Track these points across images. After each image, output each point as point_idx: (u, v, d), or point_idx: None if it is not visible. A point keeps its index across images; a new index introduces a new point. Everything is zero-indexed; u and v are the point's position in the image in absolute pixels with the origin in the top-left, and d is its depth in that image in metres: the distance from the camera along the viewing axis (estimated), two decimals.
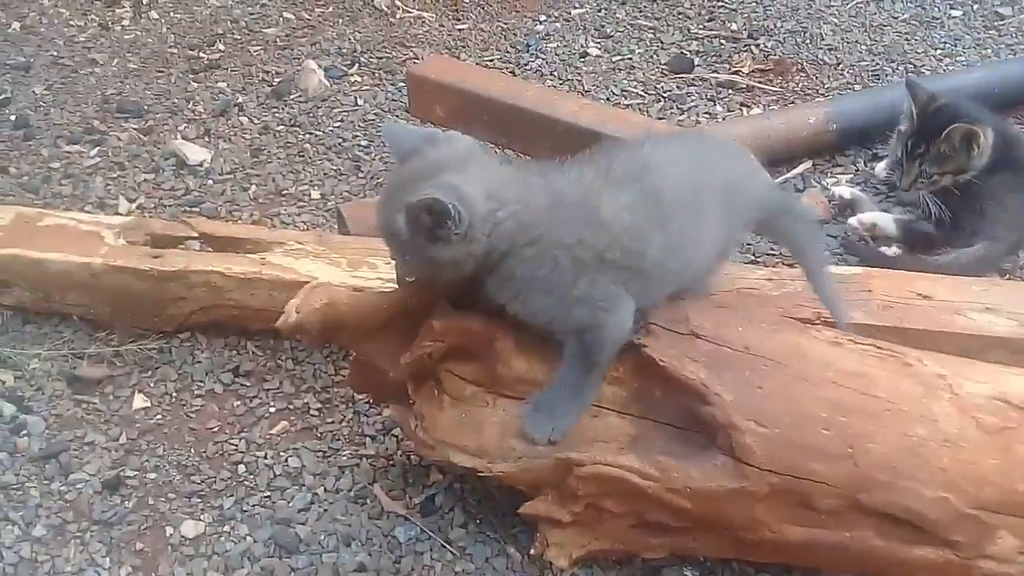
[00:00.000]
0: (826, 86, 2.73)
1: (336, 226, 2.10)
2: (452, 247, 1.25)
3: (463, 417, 1.42)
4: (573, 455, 1.34)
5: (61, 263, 1.82)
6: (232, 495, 1.62)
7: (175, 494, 1.62)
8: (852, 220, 2.18)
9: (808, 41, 2.91)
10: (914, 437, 1.30)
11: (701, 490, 1.31)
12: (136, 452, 1.69)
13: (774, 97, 2.68)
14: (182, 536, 1.56)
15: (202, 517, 1.59)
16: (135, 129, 2.56)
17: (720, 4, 3.13)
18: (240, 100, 2.70)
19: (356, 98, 2.71)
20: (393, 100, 2.68)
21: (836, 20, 3.03)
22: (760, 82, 2.74)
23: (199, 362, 1.85)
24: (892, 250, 2.13)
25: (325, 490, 1.62)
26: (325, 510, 1.59)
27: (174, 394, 1.80)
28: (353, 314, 1.42)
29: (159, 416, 1.76)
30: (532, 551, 1.44)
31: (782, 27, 2.98)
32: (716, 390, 1.30)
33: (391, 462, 1.68)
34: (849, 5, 3.11)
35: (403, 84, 2.66)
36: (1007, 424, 1.31)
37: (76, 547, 1.55)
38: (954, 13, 3.07)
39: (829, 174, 2.40)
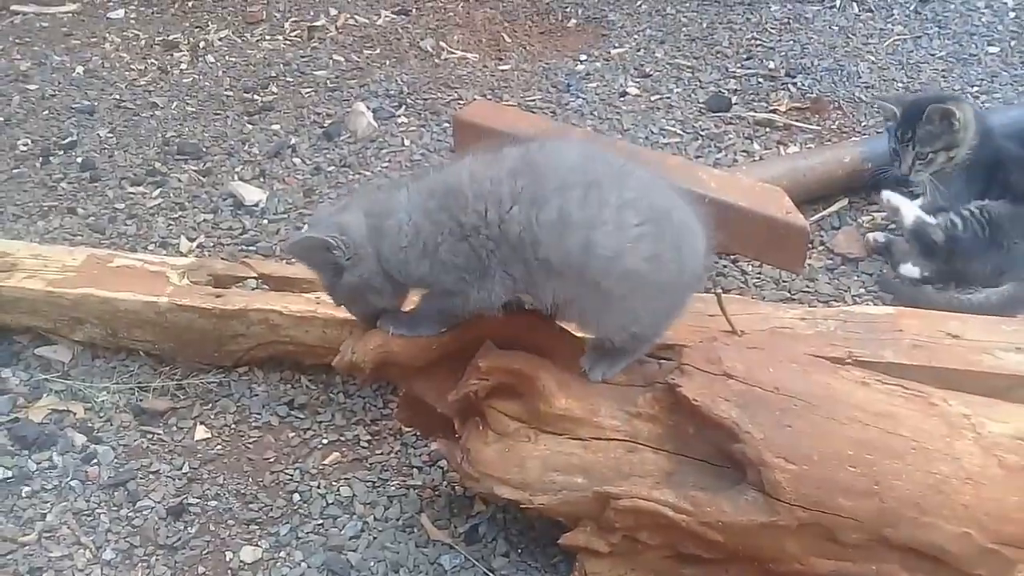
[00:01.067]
0: (863, 124, 2.78)
1: None
2: (353, 270, 1.43)
3: (506, 452, 1.50)
4: (611, 489, 1.42)
5: (129, 302, 1.94)
6: (288, 522, 1.71)
7: (234, 521, 1.72)
8: (883, 193, 2.29)
9: (845, 79, 2.97)
10: (938, 475, 1.35)
11: (733, 524, 1.37)
12: (198, 481, 1.80)
13: (811, 135, 2.74)
14: (241, 561, 1.65)
15: (260, 543, 1.68)
16: (194, 170, 2.70)
17: (758, 43, 3.20)
18: (293, 141, 2.82)
19: (403, 139, 2.82)
20: (438, 140, 2.79)
21: (873, 58, 3.08)
22: (797, 120, 2.80)
23: (256, 395, 1.95)
24: (909, 267, 2.20)
25: (375, 519, 1.71)
26: (375, 538, 1.67)
27: (233, 426, 1.90)
28: (404, 354, 1.51)
29: (219, 446, 1.86)
30: None
31: (819, 65, 3.05)
32: (747, 428, 1.37)
33: (437, 492, 1.76)
34: (887, 43, 3.16)
35: (447, 124, 2.77)
36: None
37: (143, 570, 1.65)
38: (991, 50, 3.11)
39: (865, 212, 2.45)
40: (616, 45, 3.27)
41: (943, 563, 1.35)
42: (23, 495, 1.77)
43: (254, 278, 2.03)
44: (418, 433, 1.81)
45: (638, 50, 3.22)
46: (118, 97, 3.11)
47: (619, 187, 1.37)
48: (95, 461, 1.83)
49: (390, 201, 1.44)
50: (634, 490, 1.41)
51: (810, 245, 2.32)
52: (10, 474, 1.81)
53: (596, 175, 1.38)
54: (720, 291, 1.72)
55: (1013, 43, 3.13)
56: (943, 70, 2.99)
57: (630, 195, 1.37)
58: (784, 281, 2.22)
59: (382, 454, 1.83)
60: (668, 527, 1.40)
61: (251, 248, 2.38)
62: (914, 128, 2.27)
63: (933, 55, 3.07)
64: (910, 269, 2.19)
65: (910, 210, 2.24)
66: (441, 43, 3.36)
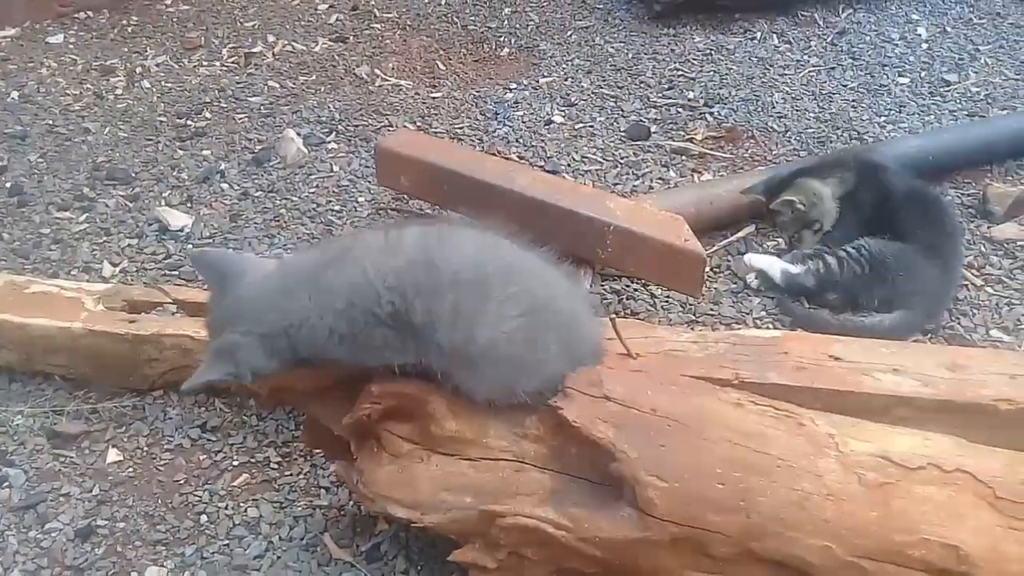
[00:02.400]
0: (774, 152, 2.89)
1: None
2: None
3: (399, 472, 1.55)
4: (496, 507, 1.48)
5: (44, 327, 1.98)
6: (194, 543, 1.75)
7: (141, 542, 1.76)
8: (744, 258, 2.37)
9: (760, 109, 3.09)
10: (801, 491, 1.43)
11: (609, 539, 1.44)
12: (108, 503, 1.83)
13: (724, 163, 2.85)
14: None
15: (165, 564, 1.72)
16: (122, 196, 2.74)
17: (680, 73, 3.31)
18: (223, 167, 2.87)
19: (332, 165, 2.88)
20: (366, 167, 2.85)
21: (788, 88, 3.21)
22: (712, 149, 2.91)
23: (170, 418, 1.99)
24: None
25: (280, 539, 1.76)
26: (279, 557, 1.72)
27: (145, 448, 1.94)
28: (298, 379, 1.57)
29: (131, 469, 1.90)
30: None
31: (736, 95, 3.16)
32: (623, 448, 1.44)
33: (342, 512, 1.81)
34: (802, 73, 3.29)
35: (373, 153, 2.84)
36: (887, 480, 1.44)
37: None
38: (901, 80, 3.25)
39: (771, 237, 2.55)
40: (545, 74, 3.36)
41: (806, 575, 1.43)
42: None
43: (170, 303, 2.07)
44: (325, 455, 1.86)
45: (565, 79, 3.31)
46: (51, 122, 3.14)
47: (505, 281, 1.48)
48: (6, 484, 1.86)
49: (293, 313, 1.47)
50: (518, 508, 1.47)
51: (716, 270, 2.42)
52: None
53: (486, 270, 1.49)
54: (614, 316, 1.79)
55: (923, 73, 3.27)
56: (853, 100, 3.11)
57: (514, 289, 1.48)
58: (690, 304, 2.30)
59: (291, 475, 1.88)
60: (550, 543, 1.47)
61: (174, 273, 2.42)
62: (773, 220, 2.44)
63: (845, 86, 3.20)
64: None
65: (774, 267, 2.33)
66: (376, 70, 3.43)
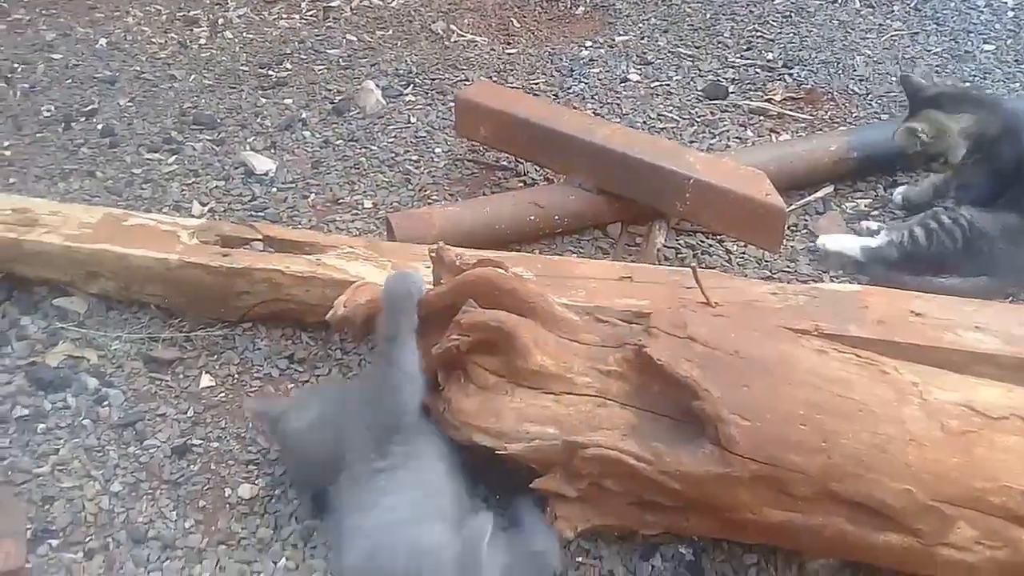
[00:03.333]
0: (854, 115, 2.87)
1: (385, 233, 2.32)
2: None
3: (485, 403, 1.61)
4: (579, 439, 1.52)
5: (142, 258, 2.06)
6: (282, 465, 1.83)
7: (234, 461, 1.84)
8: (818, 241, 2.32)
9: (840, 72, 3.06)
10: (883, 435, 1.45)
11: (690, 474, 1.47)
12: (201, 424, 1.92)
13: (803, 125, 2.83)
14: (239, 497, 1.77)
15: (256, 482, 1.80)
16: (209, 140, 2.82)
17: (759, 34, 3.29)
18: (304, 116, 2.94)
19: (409, 116, 2.93)
20: (443, 119, 2.89)
21: (870, 52, 3.17)
22: (791, 110, 2.89)
23: (259, 349, 2.07)
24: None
25: None
26: None
27: (236, 376, 2.02)
28: None
29: (222, 394, 1.98)
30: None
31: (816, 58, 3.13)
32: (706, 387, 1.47)
33: None
34: (884, 37, 3.24)
35: (452, 103, 2.88)
36: (969, 428, 1.46)
37: (148, 502, 1.77)
38: (986, 48, 3.19)
39: (849, 198, 2.54)
40: (621, 33, 3.36)
41: (886, 517, 1.45)
42: (38, 431, 1.90)
43: (259, 240, 2.14)
44: None
45: (642, 38, 3.31)
46: (138, 69, 3.23)
47: None
48: (106, 403, 1.95)
49: None
50: (601, 440, 1.51)
51: (793, 228, 2.42)
52: (27, 412, 1.93)
53: None
54: (694, 265, 1.82)
55: (1009, 41, 3.21)
56: (937, 66, 3.07)
57: None
58: (766, 261, 2.31)
59: None
60: (631, 475, 1.51)
61: (259, 214, 2.49)
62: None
63: (929, 51, 3.15)
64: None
65: (852, 245, 2.28)
66: (452, 26, 3.47)
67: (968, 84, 2.97)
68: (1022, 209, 2.22)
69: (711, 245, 2.38)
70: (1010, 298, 2.19)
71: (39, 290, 2.19)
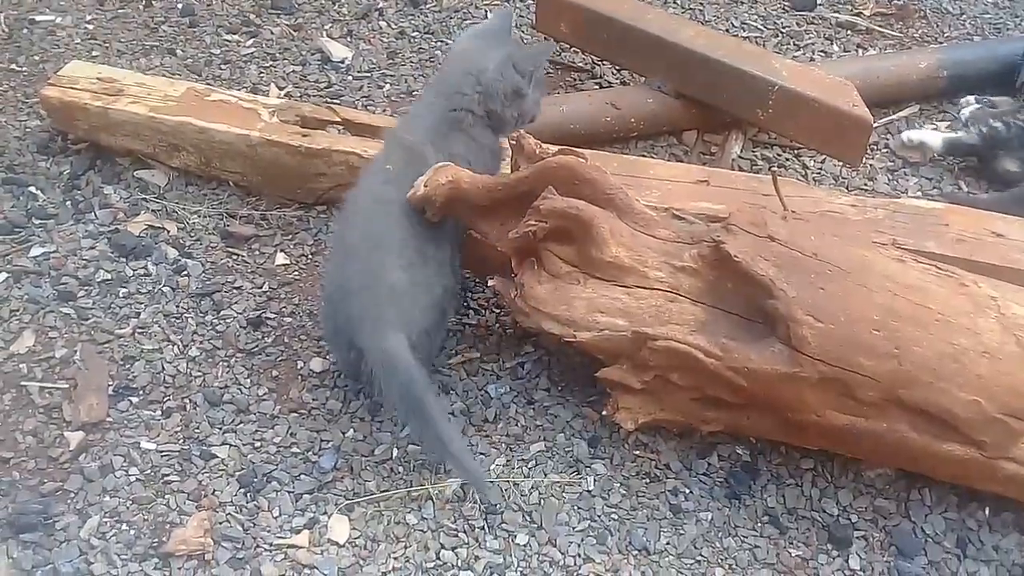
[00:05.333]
0: (945, 35, 2.76)
1: None
2: None
3: (556, 291, 1.63)
4: (648, 330, 1.54)
5: (224, 133, 2.09)
6: None
7: (306, 336, 1.90)
8: (902, 135, 2.33)
9: None
10: (957, 346, 1.44)
11: (758, 371, 1.49)
12: (276, 299, 1.97)
13: (892, 42, 2.74)
14: (310, 370, 1.83)
15: (327, 357, 1.85)
16: (287, 25, 2.81)
17: None
18: (381, 5, 2.91)
19: (487, 11, 2.88)
20: (521, 16, 2.84)
21: None
22: (880, 26, 2.79)
23: (332, 232, 2.11)
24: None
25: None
26: (432, 365, 1.84)
27: (309, 256, 2.07)
28: (473, 191, 1.64)
29: (296, 272, 2.03)
30: (604, 412, 1.66)
31: None
32: (782, 286, 1.47)
33: (490, 332, 1.91)
34: None
35: (531, 1, 2.83)
36: None
37: (223, 368, 1.84)
38: None
39: (934, 120, 2.47)
40: None
41: (951, 427, 1.46)
42: (120, 295, 1.97)
43: (337, 123, 2.16)
44: (476, 277, 1.95)
45: None
46: None
47: None
48: (185, 272, 2.01)
49: None
50: (670, 333, 1.53)
51: (874, 147, 2.37)
52: (109, 277, 2.00)
53: None
54: (774, 170, 1.79)
55: None
56: None
57: None
58: (843, 178, 2.27)
59: None
60: (698, 370, 1.53)
61: (335, 101, 2.49)
62: None
63: None
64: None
65: (934, 137, 2.29)
66: None
67: None
68: None
69: (788, 159, 2.34)
70: None
71: (122, 161, 2.24)
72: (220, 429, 1.73)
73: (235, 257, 2.06)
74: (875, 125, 2.38)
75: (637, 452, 1.71)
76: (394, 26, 2.83)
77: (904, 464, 1.58)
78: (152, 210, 2.15)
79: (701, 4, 2.90)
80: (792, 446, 1.68)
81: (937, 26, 2.80)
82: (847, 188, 2.25)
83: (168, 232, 2.11)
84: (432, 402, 1.58)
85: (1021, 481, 1.47)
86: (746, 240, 1.53)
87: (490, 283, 1.72)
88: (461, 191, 1.63)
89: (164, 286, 1.99)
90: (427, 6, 2.91)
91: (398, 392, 1.58)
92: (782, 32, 2.77)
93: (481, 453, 1.70)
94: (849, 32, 2.77)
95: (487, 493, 1.63)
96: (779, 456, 1.69)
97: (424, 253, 1.67)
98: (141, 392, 1.80)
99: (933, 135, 2.31)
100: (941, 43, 2.71)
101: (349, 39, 2.77)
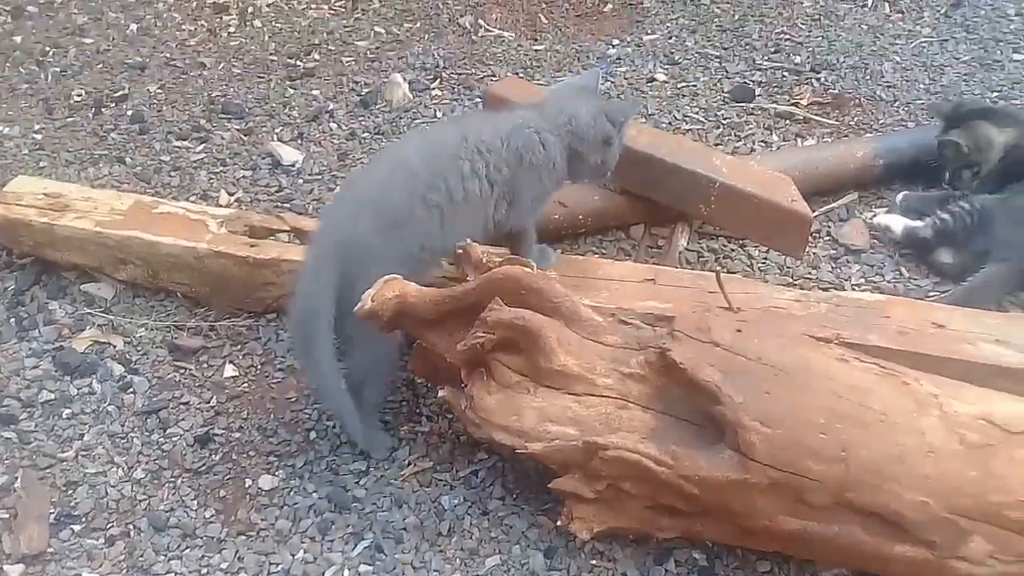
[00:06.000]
0: (881, 122, 2.85)
1: None
2: None
3: (507, 401, 1.62)
4: (599, 440, 1.54)
5: (171, 246, 2.09)
6: (303, 457, 1.85)
7: (255, 452, 1.87)
8: (876, 219, 2.42)
9: (868, 77, 3.04)
10: (902, 446, 1.46)
11: (708, 479, 1.49)
12: (224, 414, 1.94)
13: (829, 130, 2.82)
14: (259, 488, 1.80)
15: (277, 473, 1.83)
16: (237, 129, 2.84)
17: (787, 37, 3.27)
18: (331, 107, 2.96)
19: (435, 110, 2.94)
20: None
21: (898, 58, 3.14)
22: (817, 115, 2.88)
23: (282, 340, 2.09)
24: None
25: (382, 459, 1.84)
26: (382, 476, 1.81)
27: (259, 366, 2.05)
28: (420, 304, 1.65)
29: (245, 385, 2.01)
30: (559, 522, 1.64)
31: (844, 63, 3.11)
32: (728, 392, 1.48)
33: (443, 439, 1.89)
34: (913, 44, 3.22)
35: (479, 99, 2.89)
36: (988, 442, 1.46)
37: (169, 490, 1.80)
38: (1016, 57, 3.15)
39: (873, 207, 2.54)
40: (649, 32, 3.35)
41: (901, 528, 1.46)
42: (63, 416, 1.93)
43: (287, 231, 2.16)
44: (429, 384, 1.94)
45: (669, 37, 3.30)
46: (168, 55, 3.25)
47: None
48: (131, 389, 1.98)
49: None
50: (620, 442, 1.53)
51: (816, 235, 2.42)
52: (53, 397, 1.97)
53: None
54: (718, 270, 1.82)
55: None
56: (966, 74, 3.04)
57: None
58: (788, 267, 2.32)
59: (395, 401, 1.97)
60: (649, 478, 1.52)
61: (285, 205, 2.51)
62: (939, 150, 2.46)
63: (957, 59, 3.12)
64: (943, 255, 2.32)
65: (897, 223, 2.37)
66: (479, 20, 3.47)
67: (995, 93, 2.95)
68: None
69: (733, 249, 2.38)
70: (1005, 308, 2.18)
71: (68, 275, 2.22)
72: (165, 556, 1.69)
73: (182, 371, 2.04)
74: (816, 213, 2.45)
75: (594, 562, 1.69)
76: (344, 127, 2.87)
77: (859, 566, 1.58)
78: (98, 325, 2.13)
79: (644, 98, 2.97)
80: (748, 549, 1.66)
81: (872, 113, 2.89)
82: (792, 277, 2.29)
83: (114, 347, 2.08)
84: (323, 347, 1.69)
85: None
86: (691, 346, 1.54)
87: (440, 393, 1.71)
88: (408, 305, 1.64)
89: (109, 405, 1.95)
90: (377, 107, 2.95)
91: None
92: (723, 123, 2.84)
93: (435, 570, 1.67)
94: (787, 122, 2.85)
95: (362, 443, 1.78)
96: (736, 560, 1.68)
97: None
98: (84, 519, 1.76)
99: (897, 220, 2.38)
100: (876, 130, 2.80)
101: (300, 142, 2.80)
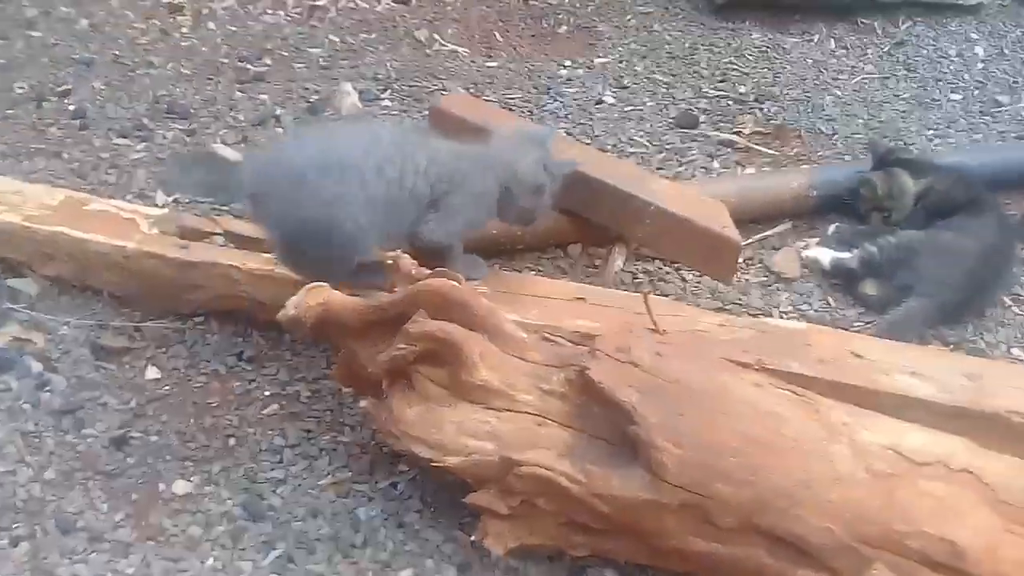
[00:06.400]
0: (819, 154, 2.91)
1: None
2: None
3: (426, 414, 1.62)
4: (515, 455, 1.54)
5: (100, 244, 2.06)
6: (220, 462, 1.83)
7: (172, 456, 1.84)
8: (808, 253, 2.47)
9: (810, 110, 3.10)
10: (810, 472, 1.48)
11: (620, 498, 1.50)
12: (143, 416, 1.92)
13: (769, 160, 2.87)
14: (172, 493, 1.77)
15: (192, 478, 1.80)
16: (180, 130, 2.81)
17: (734, 67, 3.33)
18: (279, 112, 2.94)
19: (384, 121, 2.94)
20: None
21: (840, 92, 3.21)
22: (758, 144, 2.93)
23: (208, 344, 2.07)
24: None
25: (301, 468, 1.83)
26: (299, 485, 1.80)
27: (183, 370, 2.02)
28: (344, 314, 1.64)
29: (167, 388, 1.98)
30: (473, 537, 1.64)
31: (788, 94, 3.18)
32: (643, 412, 1.50)
33: (364, 450, 1.88)
34: (855, 80, 3.30)
35: (428, 112, 2.89)
36: (894, 471, 1.49)
37: (80, 492, 1.77)
38: (954, 97, 3.24)
39: (806, 237, 2.58)
40: (600, 55, 3.39)
41: (805, 553, 1.48)
42: None
43: (220, 234, 2.14)
44: (353, 393, 1.93)
45: (620, 62, 3.34)
46: (117, 52, 3.21)
47: None
48: (48, 388, 1.95)
49: None
50: (535, 458, 1.53)
51: (749, 262, 2.46)
52: None
53: None
54: (647, 292, 1.84)
55: (976, 92, 3.26)
56: (904, 111, 3.12)
57: None
58: (719, 292, 2.35)
59: (318, 410, 1.95)
60: (562, 496, 1.53)
61: (223, 208, 2.48)
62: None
63: (897, 96, 3.20)
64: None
65: (825, 255, 2.43)
66: (435, 35, 3.48)
67: (931, 131, 3.03)
68: (957, 229, 2.38)
69: (668, 272, 2.40)
70: (951, 346, 2.24)
71: None
72: (70, 559, 1.66)
73: (103, 371, 2.00)
74: (749, 241, 2.49)
75: None
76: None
77: None
78: (20, 321, 2.09)
79: (591, 120, 3.00)
80: (661, 569, 1.68)
81: (811, 145, 2.95)
82: (723, 303, 2.32)
83: (35, 344, 2.04)
84: None
85: None
86: (610, 366, 1.55)
87: (361, 404, 1.70)
88: (332, 313, 1.63)
89: (24, 403, 1.92)
90: (325, 115, 2.94)
91: None
92: (666, 148, 2.88)
93: None
94: (729, 149, 2.89)
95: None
96: None
97: None
98: None
99: (825, 252, 2.43)
100: (814, 162, 2.86)
101: (244, 146, 2.78)
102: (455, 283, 1.66)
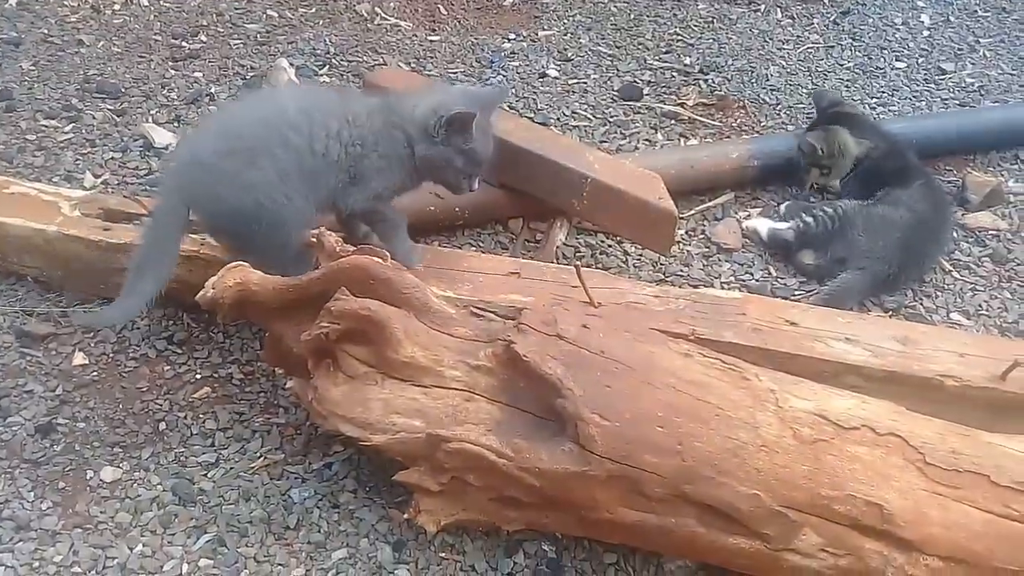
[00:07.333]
0: (762, 124, 2.91)
1: None
2: None
3: (353, 393, 1.59)
4: (442, 432, 1.52)
5: (19, 227, 2.00)
6: (150, 448, 1.80)
7: (100, 443, 1.80)
8: (746, 224, 2.47)
9: (754, 80, 3.09)
10: (737, 440, 1.47)
11: (549, 471, 1.48)
12: (70, 403, 1.87)
13: (712, 131, 2.86)
14: (100, 480, 1.74)
15: (121, 465, 1.76)
16: (110, 110, 2.74)
17: (679, 38, 3.31)
18: (213, 90, 2.88)
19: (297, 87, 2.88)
20: None
21: (784, 63, 3.21)
22: (702, 116, 2.92)
23: (137, 328, 2.02)
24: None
25: (233, 451, 1.80)
26: (231, 468, 1.77)
27: (111, 355, 1.98)
28: (263, 293, 1.61)
29: (95, 373, 1.94)
30: (406, 515, 1.62)
31: (732, 65, 3.17)
32: (569, 385, 1.48)
33: (298, 431, 1.86)
34: (800, 49, 3.29)
35: (360, 87, 2.84)
36: (821, 437, 1.49)
37: (5, 481, 1.72)
38: (898, 65, 3.25)
39: (747, 207, 2.58)
40: (545, 27, 3.36)
41: (735, 520, 1.48)
42: None
43: (145, 216, 2.09)
44: (285, 373, 1.89)
45: (565, 34, 3.31)
46: (46, 31, 3.13)
47: None
48: None
49: None
50: (463, 434, 1.51)
51: (692, 233, 2.45)
52: None
53: None
54: (578, 264, 1.82)
55: (920, 60, 3.27)
56: (848, 80, 3.12)
57: None
58: (661, 264, 2.34)
59: (251, 392, 1.92)
60: (492, 471, 1.51)
61: (154, 188, 2.43)
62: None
63: (842, 65, 3.20)
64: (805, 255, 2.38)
65: (763, 226, 2.43)
66: (377, 8, 3.42)
67: (875, 100, 3.03)
68: (890, 202, 2.38)
69: (610, 245, 2.39)
70: (891, 312, 2.25)
71: None
72: None
73: (29, 358, 1.95)
74: (691, 212, 2.49)
75: (443, 555, 1.68)
76: None
77: (697, 557, 1.60)
78: None
79: (535, 93, 2.97)
80: (596, 541, 1.67)
81: (754, 116, 2.94)
82: (664, 274, 2.31)
83: None
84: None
85: (805, 571, 1.50)
86: (535, 339, 1.53)
87: (288, 385, 1.67)
88: (251, 293, 1.60)
89: None
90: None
91: None
92: (610, 121, 2.86)
93: (280, 564, 1.63)
94: (673, 121, 2.88)
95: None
96: (583, 551, 1.68)
97: None
98: None
99: (763, 222, 2.43)
100: (757, 132, 2.85)
101: (176, 124, 2.72)
102: (379, 259, 1.63)
